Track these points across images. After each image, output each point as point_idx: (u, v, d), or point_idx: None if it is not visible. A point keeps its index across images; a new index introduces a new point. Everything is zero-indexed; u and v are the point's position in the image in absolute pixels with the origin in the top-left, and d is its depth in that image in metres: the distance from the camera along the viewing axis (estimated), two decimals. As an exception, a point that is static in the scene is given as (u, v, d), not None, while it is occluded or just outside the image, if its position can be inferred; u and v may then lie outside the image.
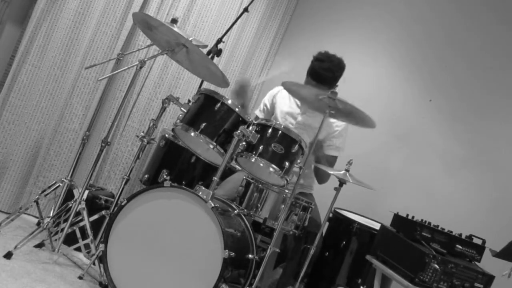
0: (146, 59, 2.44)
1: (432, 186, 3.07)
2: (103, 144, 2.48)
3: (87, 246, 2.46)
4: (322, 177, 2.86)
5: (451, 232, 2.33)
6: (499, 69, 3.05)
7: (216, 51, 2.97)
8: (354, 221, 2.74)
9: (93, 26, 3.03)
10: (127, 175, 2.51)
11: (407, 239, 2.28)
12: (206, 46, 2.89)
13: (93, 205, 2.68)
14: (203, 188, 2.22)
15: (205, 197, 2.17)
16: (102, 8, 3.04)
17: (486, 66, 3.08)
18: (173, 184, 2.23)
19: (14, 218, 2.54)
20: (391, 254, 2.34)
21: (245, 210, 2.42)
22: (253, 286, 2.22)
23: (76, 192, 2.53)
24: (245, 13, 3.08)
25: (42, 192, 2.57)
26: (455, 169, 3.04)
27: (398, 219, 2.43)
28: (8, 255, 2.30)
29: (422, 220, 2.33)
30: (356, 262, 2.69)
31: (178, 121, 2.38)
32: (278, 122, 2.38)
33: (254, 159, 2.29)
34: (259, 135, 2.33)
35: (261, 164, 2.29)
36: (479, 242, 2.36)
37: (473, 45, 3.14)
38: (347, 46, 3.04)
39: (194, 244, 2.17)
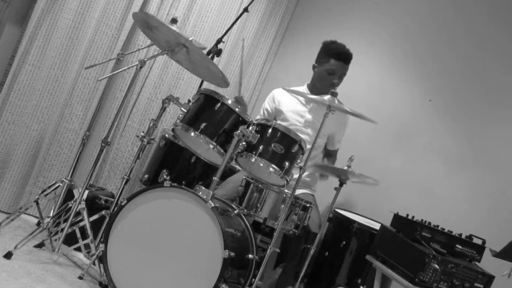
0: (146, 59, 2.43)
1: (432, 186, 3.07)
2: (103, 144, 2.48)
3: (87, 246, 2.46)
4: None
5: (451, 232, 2.33)
6: (498, 70, 3.05)
7: (216, 51, 2.97)
8: (354, 221, 2.74)
9: (93, 26, 3.03)
10: (127, 175, 2.51)
11: (407, 239, 2.28)
12: (205, 48, 2.89)
13: (93, 205, 2.68)
14: (203, 188, 2.22)
15: (205, 197, 2.17)
16: (102, 8, 3.04)
17: (486, 67, 3.08)
18: (173, 184, 2.23)
19: (14, 218, 2.54)
20: (391, 254, 2.34)
21: (245, 210, 2.42)
22: (253, 286, 2.22)
23: (76, 192, 2.53)
24: (245, 13, 3.08)
25: (42, 192, 2.57)
26: (455, 169, 3.04)
27: (398, 219, 2.43)
28: (8, 255, 2.30)
29: (422, 220, 2.33)
30: (356, 262, 2.69)
31: (178, 121, 2.38)
32: (278, 122, 2.38)
33: (254, 159, 2.29)
34: (259, 135, 2.33)
35: (261, 164, 2.29)
36: (479, 242, 2.36)
37: (473, 45, 3.15)
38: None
39: (194, 244, 2.17)
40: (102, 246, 2.27)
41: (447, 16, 3.26)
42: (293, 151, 2.33)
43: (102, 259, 2.28)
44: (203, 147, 2.58)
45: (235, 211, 2.38)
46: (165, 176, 2.30)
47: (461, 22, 3.21)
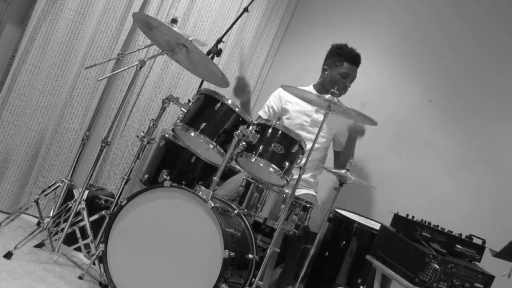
0: (146, 59, 2.44)
1: (432, 186, 3.07)
2: (103, 144, 2.48)
3: (87, 246, 2.46)
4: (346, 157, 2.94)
5: (451, 232, 2.33)
6: (498, 70, 3.05)
7: (216, 51, 2.98)
8: (354, 221, 2.74)
9: (93, 26, 3.03)
10: (127, 175, 2.51)
11: (407, 239, 2.28)
12: (205, 45, 2.89)
13: (93, 205, 2.68)
14: (203, 188, 2.22)
15: (205, 197, 2.17)
16: (102, 8, 3.04)
17: (486, 67, 3.08)
18: (173, 184, 2.23)
19: (14, 218, 2.54)
20: (391, 254, 2.34)
21: (245, 210, 2.42)
22: (253, 286, 2.22)
23: (76, 192, 2.53)
24: (245, 13, 3.08)
25: (42, 192, 2.57)
26: (455, 169, 3.03)
27: (398, 219, 2.42)
28: (8, 255, 2.30)
29: (422, 220, 2.33)
30: (356, 262, 2.68)
31: (178, 121, 2.38)
32: (278, 123, 2.38)
33: (254, 159, 2.29)
34: (259, 135, 2.33)
35: (261, 164, 2.29)
36: (479, 242, 2.36)
37: (473, 45, 3.14)
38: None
39: (194, 244, 2.17)
40: (102, 246, 2.27)
41: (447, 16, 3.26)
42: (293, 151, 2.33)
43: (102, 259, 2.28)
44: (203, 147, 2.58)
45: (235, 211, 2.38)
46: (165, 176, 2.31)
47: (461, 22, 3.21)
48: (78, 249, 2.50)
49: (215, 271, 2.09)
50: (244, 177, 2.50)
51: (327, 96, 2.31)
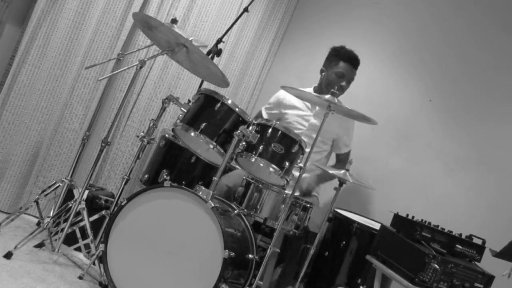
0: (146, 59, 2.43)
1: (432, 186, 3.06)
2: (103, 144, 2.48)
3: (87, 246, 2.46)
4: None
5: (451, 232, 2.33)
6: (498, 70, 3.04)
7: (216, 51, 2.97)
8: (354, 221, 2.74)
9: (93, 26, 3.03)
10: (127, 175, 2.51)
11: (407, 239, 2.28)
12: (206, 46, 2.89)
13: (93, 205, 2.68)
14: (203, 188, 2.22)
15: (205, 197, 2.17)
16: (102, 8, 3.04)
17: (486, 67, 3.08)
18: (173, 184, 2.23)
19: (14, 218, 2.54)
20: (391, 254, 2.34)
21: (245, 210, 2.42)
22: (253, 286, 2.22)
23: (76, 192, 2.53)
24: (245, 13, 3.07)
25: (42, 192, 2.57)
26: (455, 169, 3.03)
27: (398, 219, 2.42)
28: (8, 255, 2.30)
29: (422, 220, 2.33)
30: (356, 262, 2.68)
31: (178, 121, 2.38)
32: (278, 123, 2.39)
33: (254, 159, 2.29)
34: (259, 135, 2.33)
35: (261, 164, 2.29)
36: (479, 242, 2.36)
37: (474, 45, 3.14)
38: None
39: (194, 244, 2.17)
40: (102, 246, 2.28)
41: (448, 16, 3.26)
42: (293, 151, 2.34)
43: (102, 259, 2.28)
44: (203, 147, 2.58)
45: (235, 211, 2.39)
46: (165, 176, 2.31)
47: (461, 21, 3.21)
48: (78, 249, 2.50)
49: (215, 271, 2.09)
50: (244, 177, 2.50)
51: (327, 96, 2.31)
